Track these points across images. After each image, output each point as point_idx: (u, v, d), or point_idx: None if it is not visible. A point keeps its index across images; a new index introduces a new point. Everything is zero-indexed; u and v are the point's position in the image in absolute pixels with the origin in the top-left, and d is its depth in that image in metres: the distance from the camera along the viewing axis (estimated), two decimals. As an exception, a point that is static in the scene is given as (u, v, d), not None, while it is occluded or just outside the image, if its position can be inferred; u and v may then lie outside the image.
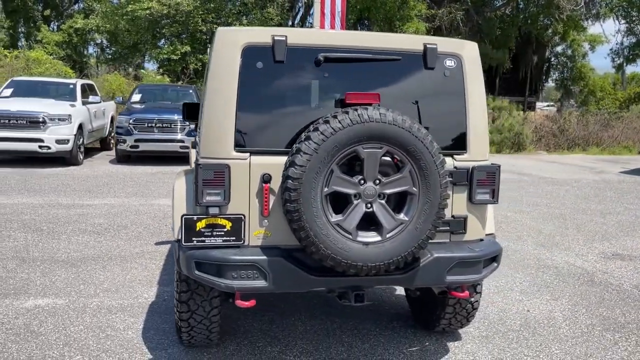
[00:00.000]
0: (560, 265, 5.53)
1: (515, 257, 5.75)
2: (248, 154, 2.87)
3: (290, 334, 3.73)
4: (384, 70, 3.09)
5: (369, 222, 2.77)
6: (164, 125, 11.50)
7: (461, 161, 3.10)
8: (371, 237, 2.76)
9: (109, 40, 26.24)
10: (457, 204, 3.12)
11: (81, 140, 11.36)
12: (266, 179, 2.86)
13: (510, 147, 18.41)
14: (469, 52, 3.16)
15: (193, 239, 2.83)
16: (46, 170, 10.36)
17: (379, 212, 2.76)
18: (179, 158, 11.19)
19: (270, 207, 2.88)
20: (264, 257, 2.82)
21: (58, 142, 10.59)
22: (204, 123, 2.92)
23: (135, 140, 11.36)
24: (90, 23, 24.85)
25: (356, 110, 2.68)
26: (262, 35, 2.91)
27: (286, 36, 2.91)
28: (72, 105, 11.35)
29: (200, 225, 2.83)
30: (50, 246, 5.57)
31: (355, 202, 2.74)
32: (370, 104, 2.79)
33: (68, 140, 10.72)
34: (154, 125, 11.47)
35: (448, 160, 3.05)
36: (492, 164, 3.14)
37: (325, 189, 2.69)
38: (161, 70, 24.73)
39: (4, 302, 4.10)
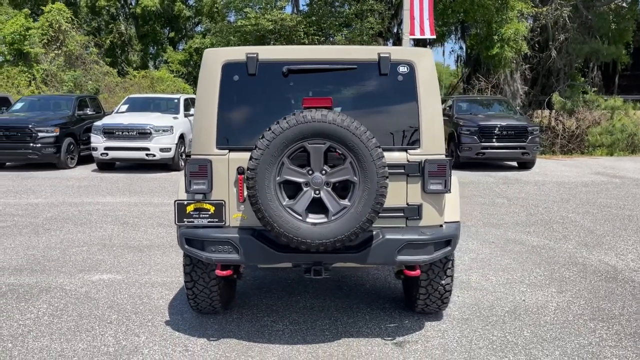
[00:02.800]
0: (591, 263, 5.54)
1: (546, 255, 5.83)
2: (227, 150, 3.52)
3: (289, 308, 4.30)
4: (344, 77, 3.60)
5: (317, 205, 3.29)
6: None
7: (414, 155, 3.51)
8: (319, 218, 3.29)
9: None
10: (411, 193, 3.53)
11: (182, 148, 12.77)
12: (240, 171, 3.48)
13: (623, 149, 17.33)
14: (422, 59, 3.56)
15: (184, 219, 3.53)
16: (150, 175, 11.81)
17: (325, 198, 3.28)
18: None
19: (245, 194, 3.49)
20: (237, 235, 3.45)
21: (162, 150, 12.06)
22: (194, 126, 3.62)
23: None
24: (206, 42, 27.09)
25: (302, 112, 3.22)
26: (238, 53, 3.56)
27: (257, 53, 3.53)
28: (175, 118, 12.81)
29: (189, 208, 3.53)
30: (129, 236, 6.62)
31: (305, 189, 3.28)
32: (325, 107, 3.32)
33: (170, 149, 12.17)
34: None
35: (402, 154, 3.49)
36: (442, 157, 3.51)
37: (278, 178, 3.26)
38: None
39: (78, 276, 5.10)
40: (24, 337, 3.77)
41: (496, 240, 6.46)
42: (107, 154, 12.05)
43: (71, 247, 6.08)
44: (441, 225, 3.62)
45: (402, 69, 3.54)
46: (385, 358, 3.48)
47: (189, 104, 13.98)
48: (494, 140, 12.82)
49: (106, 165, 12.51)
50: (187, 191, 3.53)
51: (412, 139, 3.54)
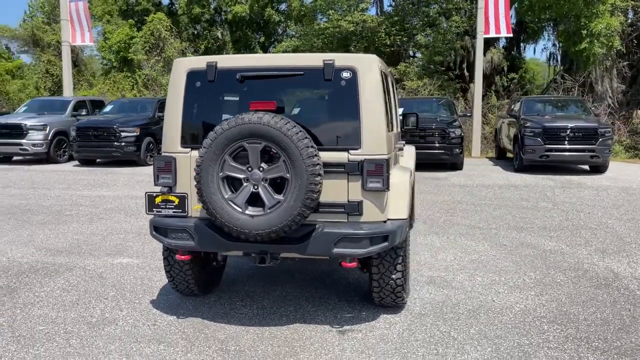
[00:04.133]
0: (595, 269, 5.38)
1: (552, 259, 5.73)
2: (190, 149, 3.95)
3: (265, 296, 4.67)
4: (293, 83, 3.91)
5: (256, 199, 3.64)
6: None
7: (355, 155, 3.74)
8: (256, 211, 3.63)
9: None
10: (352, 190, 3.77)
11: None
12: (199, 167, 3.90)
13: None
14: (364, 64, 3.79)
15: (153, 209, 4.01)
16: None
17: (262, 192, 3.62)
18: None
19: None
20: (192, 224, 3.87)
21: None
22: (163, 127, 4.09)
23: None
24: (290, 45, 28.00)
25: (240, 114, 3.58)
26: (200, 62, 3.98)
27: (216, 62, 3.93)
28: None
29: (157, 200, 4.01)
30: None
31: (244, 184, 3.64)
32: (269, 110, 3.67)
33: None
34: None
35: (344, 154, 3.74)
36: (381, 157, 3.71)
37: (220, 174, 3.64)
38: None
39: (103, 259, 5.79)
40: (32, 306, 4.44)
41: (510, 243, 6.40)
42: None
43: (111, 235, 6.84)
44: (385, 222, 3.82)
45: (345, 75, 3.78)
46: (322, 342, 3.75)
47: None
48: (560, 142, 12.31)
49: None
50: (155, 184, 4.01)
51: (353, 140, 3.77)
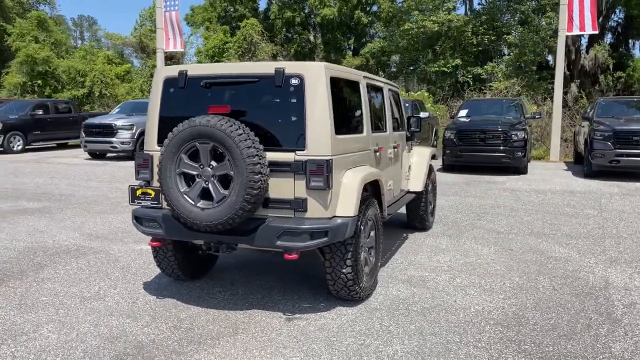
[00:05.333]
0: (590, 278, 5.22)
1: (550, 266, 5.62)
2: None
3: (245, 284, 5.06)
4: (250, 89, 4.26)
5: (206, 194, 4.05)
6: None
7: (300, 155, 4.04)
8: (206, 204, 4.04)
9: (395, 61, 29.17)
10: (298, 188, 4.07)
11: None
12: (169, 164, 4.38)
13: None
14: (311, 71, 4.07)
15: (135, 200, 4.56)
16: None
17: (212, 188, 4.03)
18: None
19: None
20: (161, 215, 4.36)
21: None
22: (145, 127, 4.61)
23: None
24: (375, 47, 28.17)
25: (193, 117, 4.01)
26: (174, 70, 4.46)
27: (187, 70, 4.40)
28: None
29: (138, 192, 4.55)
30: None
31: (197, 180, 4.07)
32: (223, 113, 4.08)
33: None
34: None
35: (291, 154, 4.06)
36: (322, 158, 3.98)
37: (177, 170, 4.10)
38: (428, 87, 26.22)
39: (128, 245, 6.49)
40: (47, 281, 5.18)
41: (519, 248, 6.30)
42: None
43: (149, 224, 7.57)
44: (330, 218, 4.08)
45: (294, 81, 4.08)
46: (264, 326, 4.08)
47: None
48: (633, 146, 11.56)
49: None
50: (136, 179, 4.55)
51: (299, 142, 4.07)
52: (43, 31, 28.24)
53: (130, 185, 4.59)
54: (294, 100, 4.09)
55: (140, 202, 4.54)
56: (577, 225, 7.49)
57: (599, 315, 4.28)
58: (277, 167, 4.06)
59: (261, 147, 3.97)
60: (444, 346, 3.74)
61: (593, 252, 6.13)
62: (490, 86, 24.18)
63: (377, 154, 5.14)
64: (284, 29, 34.13)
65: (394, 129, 5.99)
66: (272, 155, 4.05)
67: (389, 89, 5.98)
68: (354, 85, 4.79)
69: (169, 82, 4.47)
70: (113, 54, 30.95)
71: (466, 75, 25.40)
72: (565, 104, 18.70)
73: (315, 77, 4.07)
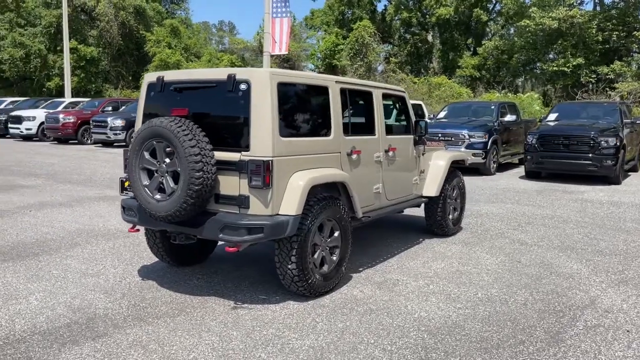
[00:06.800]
0: (577, 296, 4.89)
1: (545, 280, 5.33)
2: (145, 145, 4.97)
3: (223, 275, 5.43)
4: (210, 93, 4.63)
5: (162, 187, 4.48)
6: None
7: (245, 156, 4.33)
8: (161, 197, 4.48)
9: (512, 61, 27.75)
10: (242, 186, 4.37)
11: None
12: (147, 160, 4.90)
13: None
14: (257, 77, 4.35)
15: (123, 191, 5.15)
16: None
17: (165, 182, 4.45)
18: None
19: None
20: (137, 205, 4.88)
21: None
22: (134, 127, 5.16)
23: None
24: (490, 45, 27.03)
25: (151, 119, 4.47)
26: (155, 76, 4.96)
27: (163, 76, 4.87)
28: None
29: (126, 184, 5.12)
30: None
31: (155, 175, 4.52)
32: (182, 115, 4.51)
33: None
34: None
35: (237, 154, 4.37)
36: (262, 159, 4.23)
37: (140, 165, 4.58)
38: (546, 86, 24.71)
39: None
40: (70, 258, 5.97)
41: (529, 261, 6.00)
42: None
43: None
44: (271, 216, 4.32)
45: (242, 87, 4.38)
46: (207, 312, 4.42)
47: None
48: None
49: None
50: (124, 172, 5.12)
51: (245, 143, 4.36)
52: (175, 37, 30.99)
53: (120, 178, 5.18)
54: (241, 104, 4.38)
55: (127, 193, 5.12)
56: (619, 242, 6.87)
57: (545, 334, 4.04)
58: (225, 166, 4.38)
59: (208, 146, 4.32)
60: (353, 345, 3.81)
61: (609, 271, 5.64)
62: (614, 87, 22.24)
63: (353, 157, 5.23)
64: (401, 30, 34.02)
65: (393, 133, 5.99)
66: (221, 155, 4.38)
67: (384, 94, 5.99)
68: (318, 90, 4.95)
69: (150, 87, 4.98)
70: (237, 57, 33.02)
71: (589, 75, 23.56)
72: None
73: (261, 82, 4.33)
